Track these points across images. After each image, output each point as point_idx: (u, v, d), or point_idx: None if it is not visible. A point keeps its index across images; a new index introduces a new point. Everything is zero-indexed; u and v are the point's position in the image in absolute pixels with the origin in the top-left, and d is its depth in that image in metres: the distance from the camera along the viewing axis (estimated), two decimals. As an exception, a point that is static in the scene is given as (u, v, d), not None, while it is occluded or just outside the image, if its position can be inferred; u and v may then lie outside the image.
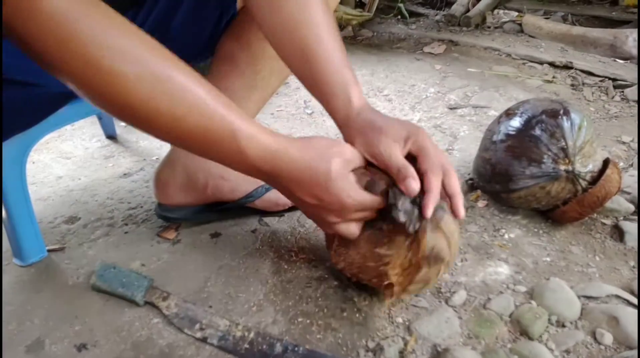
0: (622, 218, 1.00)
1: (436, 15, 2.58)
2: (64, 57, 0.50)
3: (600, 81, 1.72)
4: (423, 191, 0.66)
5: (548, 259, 0.90)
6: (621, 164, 1.21)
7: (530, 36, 2.21)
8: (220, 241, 0.97)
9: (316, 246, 0.94)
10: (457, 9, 2.44)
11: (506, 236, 0.96)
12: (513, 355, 0.71)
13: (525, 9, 2.49)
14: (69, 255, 0.94)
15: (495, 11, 2.52)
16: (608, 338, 0.73)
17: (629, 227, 0.95)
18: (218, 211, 0.99)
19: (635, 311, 0.77)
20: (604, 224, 0.99)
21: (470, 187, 1.11)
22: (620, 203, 1.01)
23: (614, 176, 0.94)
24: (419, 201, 0.66)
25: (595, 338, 0.74)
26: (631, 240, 0.93)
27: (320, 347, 0.73)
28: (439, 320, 0.77)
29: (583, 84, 1.71)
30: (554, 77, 1.78)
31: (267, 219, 1.02)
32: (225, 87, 0.88)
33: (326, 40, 0.72)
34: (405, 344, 0.73)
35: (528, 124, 0.96)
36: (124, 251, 0.94)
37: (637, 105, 1.54)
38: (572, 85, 1.72)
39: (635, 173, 1.13)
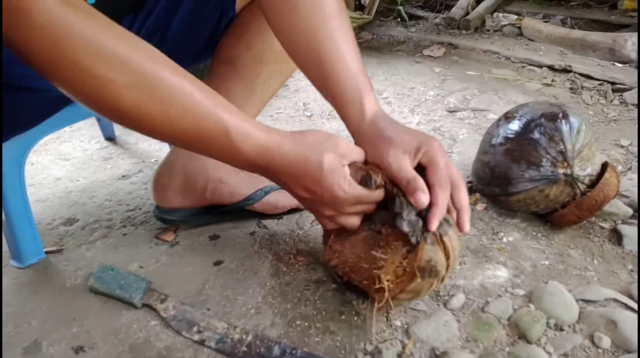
0: (620, 221, 1.00)
1: (436, 18, 2.59)
2: (57, 65, 0.51)
3: (599, 84, 1.72)
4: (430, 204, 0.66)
5: (546, 262, 0.90)
6: (620, 167, 1.21)
7: (529, 39, 2.21)
8: (218, 243, 0.97)
9: (315, 249, 0.94)
10: (456, 12, 2.45)
11: (505, 239, 0.96)
12: (511, 359, 0.71)
13: (525, 12, 2.50)
14: (67, 256, 0.94)
15: (495, 14, 2.53)
16: (606, 342, 0.73)
17: (628, 231, 0.95)
18: (217, 213, 0.99)
19: (633, 315, 0.77)
20: (602, 227, 0.99)
21: (469, 190, 1.11)
22: (619, 207, 1.01)
23: (613, 179, 0.94)
24: (424, 213, 0.66)
25: (593, 342, 0.74)
26: (629, 244, 0.93)
27: (318, 349, 0.73)
28: (437, 323, 0.77)
29: (582, 87, 1.71)
30: (553, 80, 1.78)
31: (265, 222, 1.02)
32: (224, 89, 0.88)
33: (341, 47, 0.71)
34: (404, 347, 0.73)
35: (527, 128, 0.96)
36: (122, 253, 0.94)
37: (635, 109, 1.54)
38: (571, 88, 1.72)
39: (634, 176, 1.13)
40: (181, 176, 0.94)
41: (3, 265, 0.91)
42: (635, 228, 0.96)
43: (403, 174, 0.67)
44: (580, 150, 0.94)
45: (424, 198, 0.65)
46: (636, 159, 1.25)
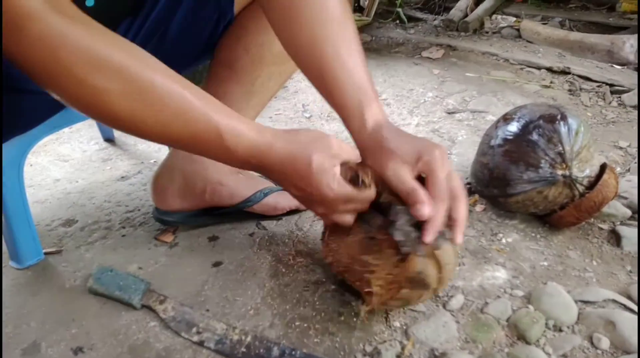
0: (619, 222, 1.00)
1: (434, 20, 2.59)
2: (53, 75, 0.53)
3: (598, 86, 1.73)
4: None
5: (545, 263, 0.90)
6: (618, 169, 1.22)
7: (528, 41, 2.21)
8: (217, 244, 0.97)
9: (314, 250, 0.94)
10: (455, 14, 2.45)
11: (504, 240, 0.96)
12: (510, 360, 0.71)
13: (523, 14, 2.50)
14: (66, 257, 0.94)
15: (494, 16, 2.53)
16: (605, 343, 0.73)
17: (626, 232, 0.95)
18: (216, 215, 0.99)
19: (632, 315, 0.77)
20: (601, 229, 0.99)
21: (468, 191, 1.11)
22: (617, 208, 1.01)
23: (611, 181, 0.94)
24: (421, 224, 0.65)
25: (592, 343, 0.74)
26: (628, 245, 0.93)
27: (317, 350, 0.73)
28: (436, 324, 0.77)
29: (580, 89, 1.72)
30: (551, 82, 1.79)
31: (264, 223, 1.02)
32: (223, 92, 0.88)
33: (343, 54, 0.71)
34: (403, 348, 0.73)
35: (525, 129, 0.96)
36: (121, 254, 0.94)
37: (633, 110, 1.54)
38: (570, 90, 1.72)
39: (632, 178, 1.13)
40: (180, 179, 0.94)
41: (2, 266, 0.90)
42: (634, 229, 0.96)
43: (402, 186, 0.66)
44: (579, 152, 0.94)
45: (423, 210, 0.64)
46: (635, 160, 1.25)
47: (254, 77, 0.91)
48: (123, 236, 1.00)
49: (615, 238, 0.96)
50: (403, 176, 0.67)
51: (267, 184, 1.00)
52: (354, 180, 0.68)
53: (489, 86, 1.77)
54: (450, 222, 0.67)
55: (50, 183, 1.23)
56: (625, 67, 1.90)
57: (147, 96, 0.56)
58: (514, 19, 2.51)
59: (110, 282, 0.82)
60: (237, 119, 0.62)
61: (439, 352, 0.72)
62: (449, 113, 1.57)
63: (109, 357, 0.73)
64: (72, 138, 1.47)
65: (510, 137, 0.98)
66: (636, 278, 0.86)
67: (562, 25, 2.40)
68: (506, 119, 1.02)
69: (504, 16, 2.56)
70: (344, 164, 0.68)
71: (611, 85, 1.71)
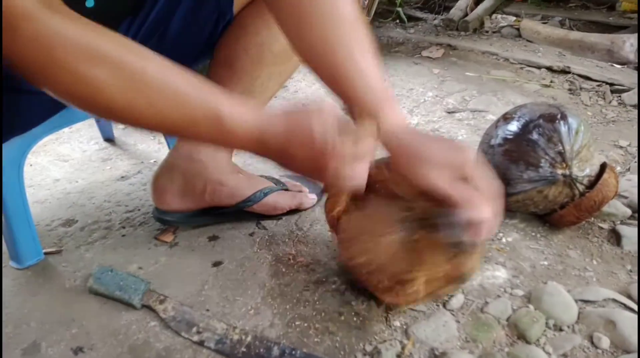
0: (619, 222, 1.00)
1: (434, 19, 2.59)
2: (50, 73, 0.53)
3: (598, 85, 1.73)
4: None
5: (545, 263, 0.90)
6: (618, 168, 1.22)
7: (528, 41, 2.21)
8: (217, 244, 0.97)
9: (314, 250, 0.94)
10: (455, 13, 2.45)
11: (504, 240, 0.96)
12: (510, 359, 0.71)
13: (523, 13, 2.50)
14: (66, 257, 0.94)
15: (494, 16, 2.53)
16: (605, 342, 0.73)
17: (626, 231, 0.95)
18: (216, 215, 0.99)
19: (632, 315, 0.77)
20: (601, 228, 0.99)
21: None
22: (618, 207, 1.01)
23: (611, 180, 0.94)
24: (469, 223, 0.66)
25: (592, 342, 0.74)
26: (628, 244, 0.93)
27: (317, 350, 0.73)
28: (436, 324, 0.77)
29: (580, 88, 1.72)
30: (551, 81, 1.79)
31: (265, 223, 1.02)
32: None
33: (357, 58, 0.69)
34: (403, 348, 0.73)
35: (525, 129, 0.96)
36: (121, 254, 0.94)
37: (634, 110, 1.54)
38: (570, 89, 1.72)
39: (632, 177, 1.13)
40: (180, 179, 0.94)
41: (2, 266, 0.90)
42: (634, 229, 0.96)
43: (447, 194, 0.65)
44: (579, 151, 0.94)
45: (470, 215, 0.64)
46: (635, 159, 1.25)
47: (254, 77, 0.91)
48: (123, 236, 1.00)
49: (615, 237, 0.96)
50: (447, 184, 0.65)
51: (267, 184, 1.00)
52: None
53: (489, 85, 1.77)
54: None
55: (50, 183, 1.23)
56: (625, 66, 1.89)
57: (143, 85, 0.56)
58: (514, 18, 2.50)
59: (110, 282, 0.82)
60: (234, 99, 0.62)
61: (439, 351, 0.72)
62: (449, 113, 1.56)
63: (109, 356, 0.73)
64: (72, 137, 1.47)
65: (511, 136, 0.98)
66: (636, 278, 0.86)
67: (562, 24, 2.40)
68: (506, 118, 1.02)
69: (504, 15, 2.56)
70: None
71: (611, 84, 1.71)
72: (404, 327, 0.77)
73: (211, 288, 0.85)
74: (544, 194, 0.95)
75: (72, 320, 0.79)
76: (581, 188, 0.94)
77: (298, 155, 0.63)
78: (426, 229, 0.70)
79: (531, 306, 0.80)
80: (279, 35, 0.87)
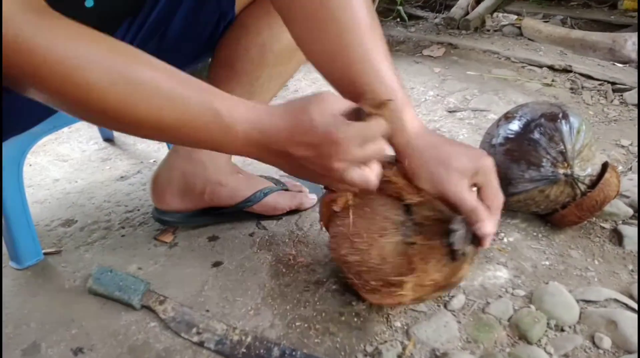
0: (621, 221, 0.99)
1: (435, 18, 2.58)
2: (33, 78, 0.51)
3: (600, 84, 1.72)
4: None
5: (547, 263, 0.90)
6: (620, 168, 1.21)
7: (529, 39, 2.21)
8: (217, 244, 0.96)
9: (314, 250, 0.93)
10: (456, 12, 2.44)
11: (505, 240, 0.96)
12: (512, 360, 0.71)
13: (525, 12, 2.49)
14: (65, 258, 0.94)
15: (495, 14, 2.52)
16: (607, 343, 0.73)
17: (628, 231, 0.95)
18: (216, 215, 0.98)
19: (634, 315, 0.76)
20: (602, 228, 0.98)
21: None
22: (619, 207, 1.01)
23: (613, 179, 0.94)
24: (474, 233, 0.67)
25: (594, 343, 0.73)
26: (630, 244, 0.93)
27: (318, 351, 0.73)
28: (437, 324, 0.76)
29: (582, 87, 1.71)
30: (553, 80, 1.78)
31: (265, 223, 1.01)
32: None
33: (374, 61, 0.68)
34: (404, 348, 0.73)
35: (527, 128, 0.96)
36: (121, 255, 0.94)
37: (635, 109, 1.54)
38: (571, 88, 1.71)
39: (634, 176, 1.12)
40: (180, 179, 0.93)
41: (2, 266, 0.90)
42: (636, 229, 0.95)
43: (467, 204, 0.66)
44: (581, 150, 0.94)
45: (488, 229, 0.66)
46: (636, 159, 1.24)
47: (255, 78, 0.90)
48: (122, 236, 1.00)
49: (617, 237, 0.95)
50: (465, 192, 0.67)
51: (266, 184, 1.00)
52: (357, 115, 0.61)
53: (490, 84, 1.76)
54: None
55: (50, 183, 1.23)
56: (627, 65, 1.89)
57: (137, 87, 0.54)
58: (515, 17, 2.50)
59: (110, 282, 0.82)
60: (231, 98, 0.60)
61: (440, 352, 0.72)
62: (450, 112, 1.56)
63: (108, 357, 0.72)
64: (71, 137, 1.47)
65: (512, 136, 0.97)
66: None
67: (563, 23, 2.39)
68: (507, 117, 1.01)
69: (505, 14, 2.55)
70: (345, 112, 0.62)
71: (613, 83, 1.71)
72: (405, 327, 0.76)
73: (211, 288, 0.85)
74: (546, 194, 0.94)
75: (71, 321, 0.79)
76: (583, 187, 0.94)
77: (302, 144, 0.60)
78: (423, 235, 0.69)
79: (532, 307, 0.79)
80: (280, 36, 0.87)
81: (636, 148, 1.29)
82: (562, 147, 0.93)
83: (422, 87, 1.76)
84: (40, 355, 0.73)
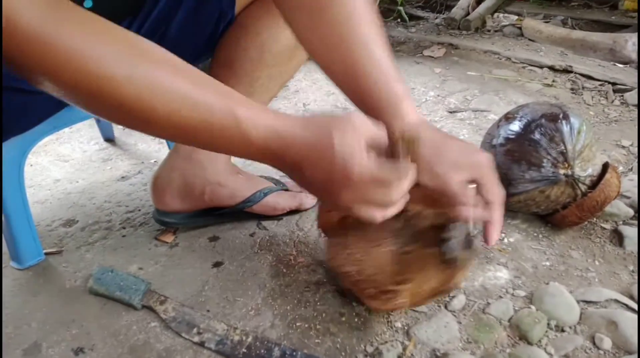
0: (621, 222, 0.99)
1: (436, 18, 2.58)
2: (49, 70, 0.49)
3: (600, 85, 1.72)
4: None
5: (547, 263, 0.90)
6: (620, 168, 1.21)
7: (530, 40, 2.21)
8: (218, 244, 0.96)
9: (315, 251, 0.93)
10: (457, 12, 2.44)
11: (506, 240, 0.96)
12: (512, 360, 0.71)
13: (525, 12, 2.49)
14: (66, 258, 0.94)
15: (495, 15, 2.52)
16: (607, 343, 0.73)
17: (629, 231, 0.95)
18: (216, 215, 0.99)
19: (634, 316, 0.76)
20: (603, 228, 0.98)
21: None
22: (620, 208, 1.01)
23: (614, 180, 0.94)
24: (470, 243, 0.66)
25: (594, 343, 0.73)
26: (630, 245, 0.93)
27: (318, 351, 0.73)
28: (438, 325, 0.76)
29: (583, 88, 1.71)
30: (553, 81, 1.78)
31: (265, 223, 1.01)
32: None
33: (373, 53, 0.68)
34: (404, 349, 0.73)
35: (527, 128, 0.96)
36: (122, 255, 0.94)
37: (636, 109, 1.53)
38: (572, 89, 1.71)
39: (635, 177, 1.12)
40: (180, 180, 0.93)
41: (3, 266, 0.90)
42: (636, 229, 0.95)
43: (454, 188, 0.65)
44: (581, 151, 0.94)
45: (471, 213, 0.65)
46: (637, 159, 1.24)
47: (254, 78, 0.90)
48: (123, 236, 1.00)
49: (617, 237, 0.95)
50: (455, 177, 0.65)
51: (266, 184, 1.00)
52: (391, 151, 0.60)
53: (491, 84, 1.76)
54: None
55: (51, 183, 1.23)
56: (628, 65, 1.89)
57: (155, 82, 0.52)
58: (516, 17, 2.49)
59: (111, 283, 0.82)
60: (253, 105, 0.58)
61: (441, 352, 0.72)
62: (450, 112, 1.56)
63: (109, 357, 0.73)
64: (72, 138, 1.47)
65: (512, 136, 0.97)
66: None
67: (564, 23, 2.39)
68: (508, 118, 1.01)
69: (506, 14, 2.55)
70: (373, 146, 0.59)
71: (613, 84, 1.70)
72: (406, 327, 0.76)
73: (212, 288, 0.85)
74: (546, 195, 0.94)
75: (72, 321, 0.79)
76: (583, 188, 0.94)
77: (317, 168, 0.58)
78: (419, 243, 0.69)
79: (533, 307, 0.79)
80: (280, 36, 0.87)
81: (637, 149, 1.29)
82: (563, 147, 0.93)
83: (422, 87, 1.76)
84: (41, 355, 0.73)
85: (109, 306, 0.81)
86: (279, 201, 1.00)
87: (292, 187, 1.04)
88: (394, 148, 0.59)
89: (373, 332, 0.76)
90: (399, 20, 2.58)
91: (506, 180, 0.96)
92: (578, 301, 0.80)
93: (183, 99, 0.54)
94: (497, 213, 0.66)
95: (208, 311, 0.80)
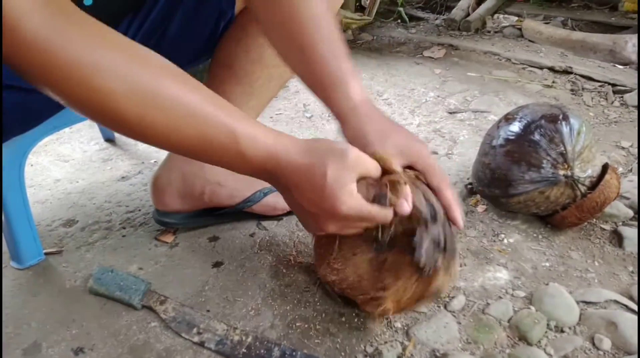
0: (621, 223, 0.99)
1: (436, 19, 2.59)
2: (51, 78, 0.49)
3: (600, 86, 1.72)
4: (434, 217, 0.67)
5: (547, 264, 0.90)
6: (620, 169, 1.21)
7: (530, 41, 2.21)
8: (218, 245, 0.96)
9: (315, 251, 0.93)
10: (457, 13, 2.45)
11: (505, 241, 0.96)
12: (512, 361, 0.71)
13: (525, 13, 2.50)
14: (66, 258, 0.94)
15: (495, 16, 2.53)
16: (607, 344, 0.73)
17: (628, 232, 0.95)
18: (215, 215, 0.99)
19: (634, 316, 0.77)
20: (603, 229, 0.98)
21: (470, 192, 1.11)
22: (619, 209, 1.01)
23: (613, 181, 0.94)
24: (442, 245, 0.66)
25: (593, 344, 0.73)
26: (630, 245, 0.93)
27: (318, 351, 0.73)
28: (437, 325, 0.76)
29: (582, 89, 1.71)
30: (553, 82, 1.78)
31: (265, 223, 1.02)
32: (223, 92, 0.87)
33: (323, 32, 0.70)
34: (404, 349, 0.73)
35: (527, 129, 0.96)
36: (122, 255, 0.94)
37: (636, 110, 1.54)
38: (572, 90, 1.72)
39: (634, 178, 1.12)
40: (179, 180, 0.94)
41: (3, 266, 0.90)
42: (636, 230, 0.95)
43: (393, 164, 0.68)
44: (581, 152, 0.94)
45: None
46: (637, 160, 1.24)
47: (254, 79, 0.91)
48: (123, 236, 1.00)
49: (617, 238, 0.95)
50: (399, 161, 0.69)
51: (266, 184, 1.00)
52: (377, 199, 0.64)
53: (491, 85, 1.76)
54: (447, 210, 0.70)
55: (51, 183, 1.23)
56: (628, 66, 1.89)
57: (156, 98, 0.53)
58: (516, 18, 2.50)
59: (111, 282, 0.82)
60: (253, 124, 0.60)
61: (440, 352, 0.72)
62: (450, 113, 1.56)
63: (109, 357, 0.73)
64: (72, 138, 1.47)
65: (512, 137, 0.97)
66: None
67: (564, 24, 2.39)
68: (508, 119, 1.02)
69: (506, 15, 2.55)
70: (364, 180, 0.64)
71: (613, 85, 1.71)
72: (405, 328, 0.77)
73: (211, 288, 0.85)
74: (546, 195, 0.94)
75: (72, 321, 0.79)
76: (583, 189, 0.94)
77: (306, 196, 0.62)
78: (395, 250, 0.69)
79: (532, 308, 0.79)
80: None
81: (636, 150, 1.29)
82: (563, 148, 0.93)
83: (422, 88, 1.76)
84: (41, 355, 0.73)
85: (109, 306, 0.81)
86: (278, 201, 1.00)
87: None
88: (381, 187, 0.65)
89: (373, 332, 0.76)
90: (399, 21, 2.59)
91: (506, 181, 0.96)
92: (578, 302, 0.80)
93: (183, 116, 0.55)
94: (449, 193, 0.69)
95: (208, 311, 0.80)
